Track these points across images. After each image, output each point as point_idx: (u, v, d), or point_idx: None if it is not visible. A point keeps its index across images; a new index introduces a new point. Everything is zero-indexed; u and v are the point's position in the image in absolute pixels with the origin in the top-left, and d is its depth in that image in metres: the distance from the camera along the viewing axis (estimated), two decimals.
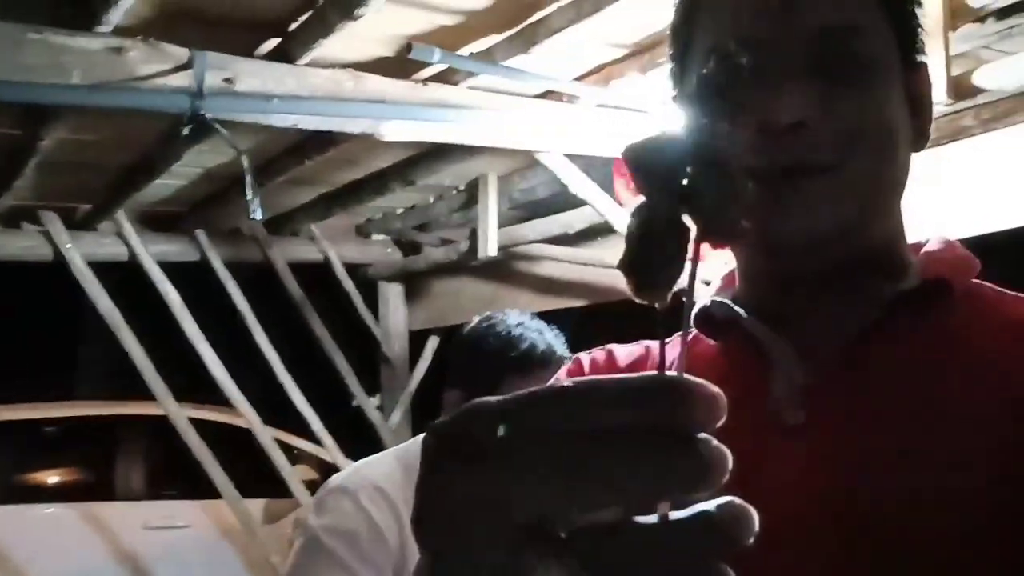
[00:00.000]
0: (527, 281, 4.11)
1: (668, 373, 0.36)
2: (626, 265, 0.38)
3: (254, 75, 2.48)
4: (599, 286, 3.72)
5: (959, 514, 0.61)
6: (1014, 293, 0.71)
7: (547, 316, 1.74)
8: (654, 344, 0.81)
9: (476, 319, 1.69)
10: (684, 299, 0.40)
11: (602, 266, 3.59)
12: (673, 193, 0.37)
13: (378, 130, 2.55)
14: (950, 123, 2.55)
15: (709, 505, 0.34)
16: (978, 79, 2.43)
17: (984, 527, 0.60)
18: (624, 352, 0.81)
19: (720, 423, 0.34)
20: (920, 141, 0.72)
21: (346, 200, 4.00)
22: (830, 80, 0.65)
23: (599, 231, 3.49)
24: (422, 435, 1.76)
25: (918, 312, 0.68)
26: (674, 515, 0.34)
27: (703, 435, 0.34)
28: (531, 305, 4.01)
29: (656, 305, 0.38)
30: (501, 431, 0.34)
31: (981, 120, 2.55)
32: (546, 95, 2.88)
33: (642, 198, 0.41)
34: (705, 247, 0.39)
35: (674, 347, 0.78)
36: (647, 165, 0.38)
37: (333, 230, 4.59)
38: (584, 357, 0.83)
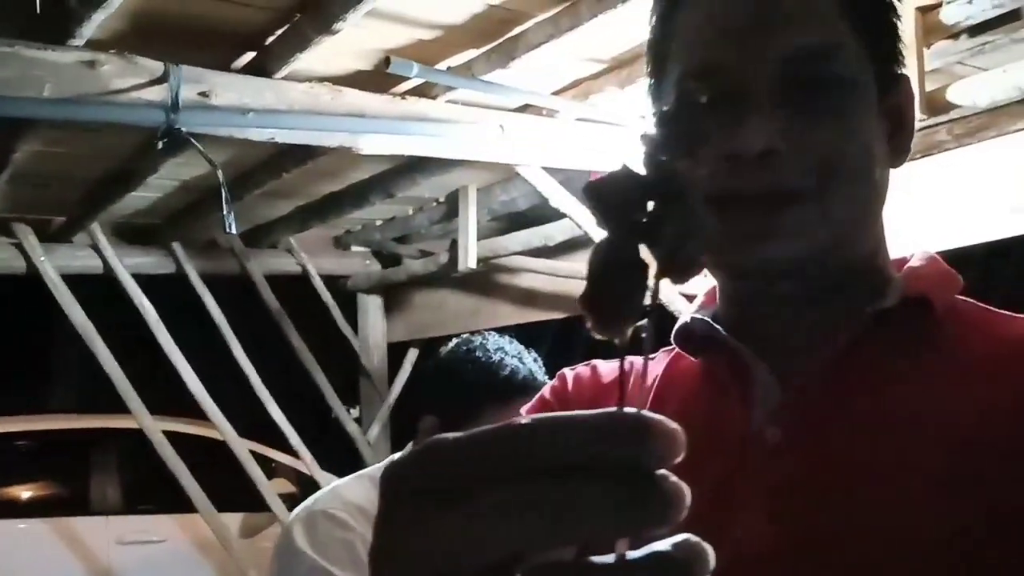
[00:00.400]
0: (507, 293, 4.10)
1: (628, 409, 0.36)
2: (585, 301, 0.39)
3: (230, 88, 2.47)
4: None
5: (934, 535, 0.61)
6: (998, 310, 0.71)
7: (527, 328, 1.74)
8: (637, 359, 0.81)
9: (453, 342, 1.66)
10: (643, 334, 0.40)
11: (582, 278, 3.57)
12: (632, 228, 0.38)
13: (356, 144, 2.54)
14: (924, 138, 2.58)
15: (666, 544, 0.34)
16: (951, 95, 2.45)
17: (960, 550, 0.60)
18: (608, 368, 0.81)
19: (678, 459, 0.35)
20: (899, 156, 0.71)
21: (325, 212, 3.98)
22: (800, 106, 0.65)
23: (579, 243, 3.50)
24: (392, 459, 1.75)
25: (898, 330, 0.67)
26: (631, 554, 0.34)
27: (662, 472, 0.34)
28: (511, 317, 4.01)
29: (616, 341, 0.38)
30: (460, 471, 0.34)
31: (955, 135, 2.58)
32: (525, 109, 2.89)
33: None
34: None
35: (657, 363, 0.78)
36: (606, 201, 0.38)
37: (311, 242, 4.56)
38: (568, 373, 0.83)
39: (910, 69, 2.42)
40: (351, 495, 1.58)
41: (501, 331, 1.73)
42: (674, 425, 0.35)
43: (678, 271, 0.38)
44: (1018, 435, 0.62)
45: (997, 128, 2.47)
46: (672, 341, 0.76)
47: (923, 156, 2.62)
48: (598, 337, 0.39)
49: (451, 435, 0.35)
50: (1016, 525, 0.59)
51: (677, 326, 0.75)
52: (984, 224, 2.54)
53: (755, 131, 0.64)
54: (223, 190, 2.30)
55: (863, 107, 0.66)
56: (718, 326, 0.72)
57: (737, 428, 0.69)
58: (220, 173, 2.34)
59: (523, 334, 1.75)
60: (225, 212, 2.32)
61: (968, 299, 0.72)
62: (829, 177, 0.65)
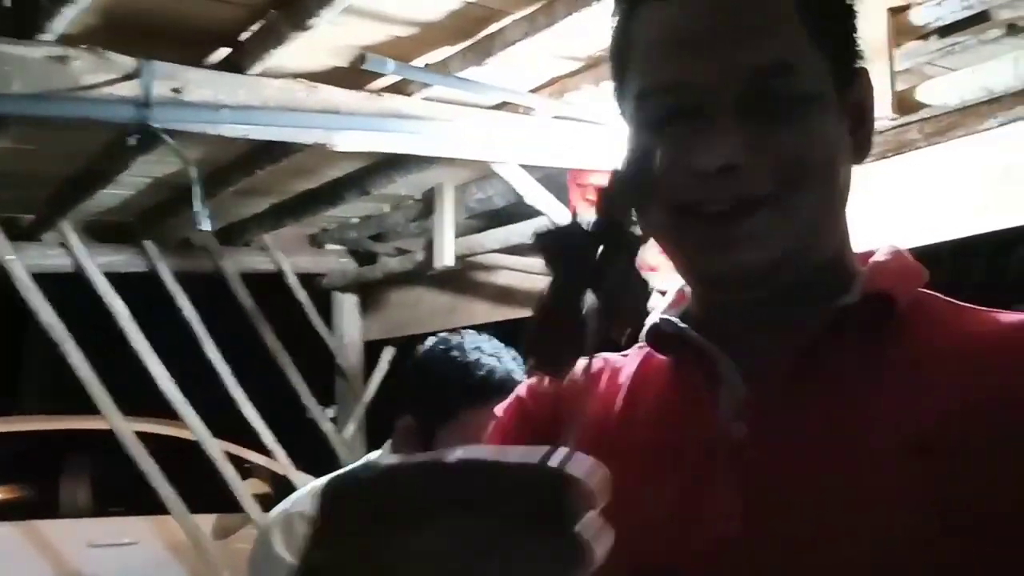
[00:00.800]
0: (484, 291, 4.10)
1: (561, 450, 0.40)
2: (528, 344, 0.42)
3: (204, 85, 2.44)
4: None
5: (895, 531, 0.61)
6: (965, 304, 0.72)
7: (504, 326, 1.74)
8: (612, 357, 0.82)
9: (431, 341, 1.65)
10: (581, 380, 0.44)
11: None
12: (577, 277, 0.39)
13: (331, 141, 2.53)
14: (896, 137, 2.61)
15: None
16: (921, 95, 2.48)
17: (921, 544, 0.61)
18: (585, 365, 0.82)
19: (597, 510, 0.39)
20: (862, 151, 0.72)
21: (300, 210, 3.96)
22: (760, 119, 0.65)
23: None
24: (368, 459, 1.74)
25: (860, 326, 0.68)
26: None
27: (580, 525, 0.38)
28: (488, 315, 4.00)
29: (557, 378, 0.42)
30: (394, 502, 0.38)
31: (925, 134, 2.61)
32: (502, 107, 2.89)
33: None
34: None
35: (631, 360, 0.79)
36: (553, 250, 0.40)
37: (286, 240, 4.54)
38: None
39: (881, 69, 2.46)
40: None
41: (479, 329, 1.73)
42: (597, 477, 0.39)
43: (622, 317, 0.41)
44: (980, 431, 0.62)
45: (966, 127, 2.51)
46: (643, 340, 0.77)
47: (895, 154, 2.65)
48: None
49: (389, 463, 0.40)
50: (978, 521, 0.60)
51: (647, 325, 0.76)
52: (954, 221, 2.57)
53: (714, 148, 0.64)
54: (195, 186, 2.28)
55: (823, 113, 0.67)
56: (685, 325, 0.73)
57: (705, 425, 0.70)
58: (193, 170, 2.32)
59: (501, 332, 1.75)
60: (198, 208, 2.30)
61: (933, 292, 0.73)
62: (791, 186, 0.66)
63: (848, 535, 0.62)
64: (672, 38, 0.67)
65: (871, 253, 0.75)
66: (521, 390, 0.85)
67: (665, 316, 0.75)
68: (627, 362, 0.79)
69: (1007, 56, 2.35)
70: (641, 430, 0.74)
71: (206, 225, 2.36)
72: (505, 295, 3.99)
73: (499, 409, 0.85)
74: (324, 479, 1.66)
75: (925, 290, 0.73)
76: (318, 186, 3.76)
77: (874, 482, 0.63)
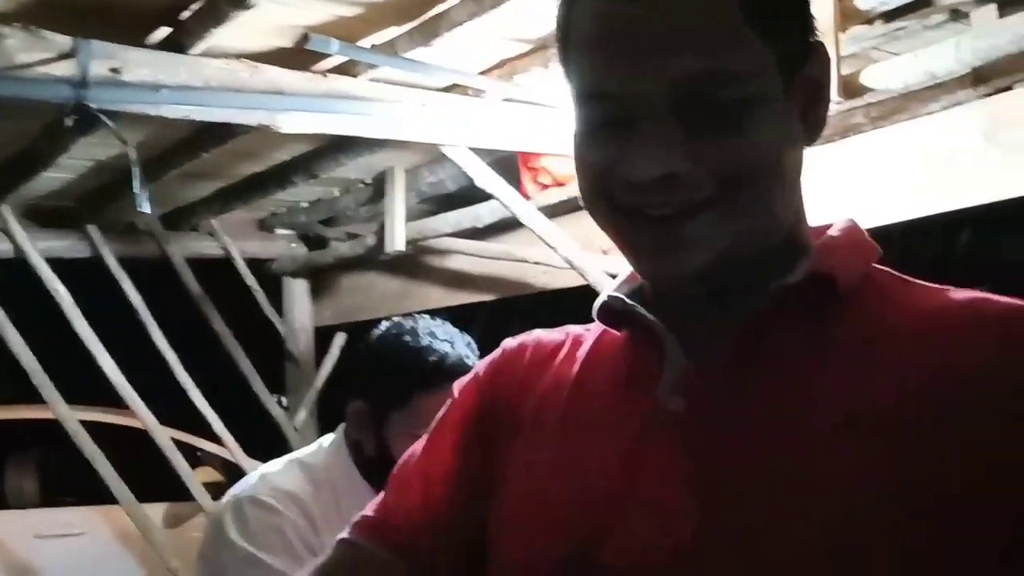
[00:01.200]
0: (436, 276, 4.07)
1: None
2: None
3: (143, 65, 2.38)
4: (510, 280, 3.72)
5: (827, 507, 0.61)
6: (917, 281, 0.72)
7: (458, 311, 1.72)
8: (574, 329, 0.84)
9: (384, 325, 1.65)
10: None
11: (512, 260, 3.58)
12: None
13: (275, 122, 2.48)
14: (841, 120, 2.63)
15: None
16: (865, 79, 2.51)
17: (881, 531, 0.61)
18: (550, 337, 0.84)
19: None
20: (816, 130, 0.71)
21: (247, 194, 3.90)
22: (697, 127, 0.64)
23: (509, 224, 3.48)
24: (319, 443, 1.73)
25: (804, 306, 0.68)
26: None
27: None
28: (441, 300, 3.98)
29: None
30: None
31: (871, 118, 2.64)
32: (451, 89, 2.86)
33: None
34: None
35: (592, 334, 0.81)
36: None
37: (234, 225, 4.47)
38: (512, 343, 0.85)
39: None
40: (279, 481, 1.58)
41: (432, 314, 1.72)
42: None
43: None
44: (926, 410, 0.62)
45: (909, 111, 2.54)
46: (594, 317, 0.78)
47: (841, 138, 2.68)
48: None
49: None
50: (936, 503, 0.60)
51: (597, 302, 0.77)
52: (899, 204, 2.61)
53: (650, 158, 0.64)
54: (134, 168, 2.22)
55: (766, 111, 0.66)
56: (633, 303, 0.74)
57: (647, 400, 0.71)
58: (132, 151, 2.27)
59: (455, 317, 1.74)
60: (137, 190, 2.25)
61: (886, 269, 0.73)
62: (733, 188, 0.65)
63: (799, 517, 0.62)
64: (608, 39, 0.66)
65: (826, 228, 0.75)
66: (481, 367, 0.86)
67: (614, 294, 0.75)
68: (589, 336, 0.81)
69: (949, 41, 2.38)
70: (588, 402, 0.75)
71: (146, 208, 2.30)
72: (458, 280, 3.97)
73: (457, 386, 0.86)
74: (273, 463, 1.65)
75: (879, 266, 0.73)
76: (265, 169, 3.70)
77: (818, 463, 0.63)
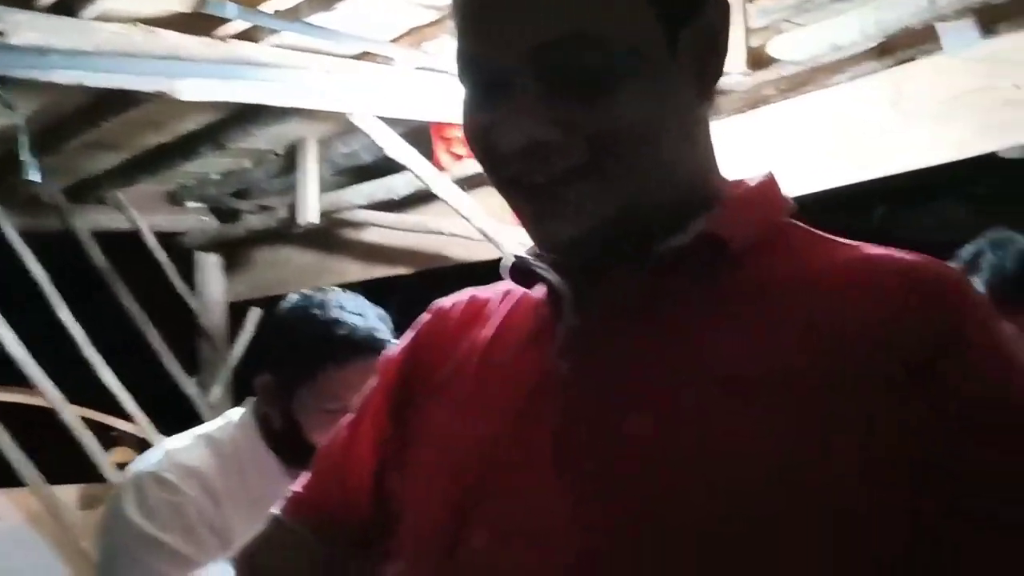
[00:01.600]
0: (352, 249, 4.01)
1: None
2: None
3: (31, 28, 2.26)
4: (426, 252, 3.67)
5: (724, 477, 0.61)
6: (828, 236, 0.71)
7: (374, 284, 1.69)
8: (515, 289, 0.81)
9: (293, 298, 1.65)
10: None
11: (428, 232, 3.54)
12: None
13: (173, 88, 2.38)
14: (751, 93, 2.65)
15: None
16: (772, 50, 2.53)
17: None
18: (486, 294, 0.85)
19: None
20: (712, 83, 0.70)
21: (154, 165, 3.77)
22: (564, 94, 0.63)
23: (424, 196, 3.44)
24: (228, 416, 1.70)
25: (696, 266, 0.67)
26: None
27: None
28: (357, 274, 3.92)
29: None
30: None
31: (780, 90, 2.67)
32: (361, 58, 2.79)
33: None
34: None
35: (515, 295, 0.80)
36: None
37: (142, 197, 4.32)
38: (443, 302, 0.86)
39: (736, 23, 2.48)
40: (182, 457, 1.58)
41: (348, 288, 1.70)
42: None
43: None
44: (828, 363, 0.61)
45: (815, 83, 2.57)
46: (503, 275, 0.79)
47: (750, 109, 2.70)
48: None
49: None
50: (825, 459, 0.59)
51: (503, 262, 0.77)
52: (806, 176, 2.64)
53: (516, 127, 0.64)
54: (21, 136, 2.12)
55: (642, 73, 0.64)
56: (539, 263, 0.74)
57: (546, 354, 0.71)
58: (19, 116, 2.16)
59: (370, 290, 1.75)
60: (25, 158, 2.15)
61: (799, 224, 0.72)
62: (608, 153, 0.64)
63: (693, 483, 0.61)
64: (478, 6, 0.66)
65: (743, 182, 0.74)
66: (406, 336, 0.87)
67: (522, 254, 0.76)
68: (518, 292, 0.81)
69: (853, 12, 2.41)
70: (499, 357, 0.76)
71: (36, 176, 2.21)
72: (375, 252, 3.91)
73: (382, 358, 0.87)
74: (178, 438, 1.63)
75: (793, 221, 0.72)
76: (171, 140, 3.57)
77: (710, 427, 0.62)
